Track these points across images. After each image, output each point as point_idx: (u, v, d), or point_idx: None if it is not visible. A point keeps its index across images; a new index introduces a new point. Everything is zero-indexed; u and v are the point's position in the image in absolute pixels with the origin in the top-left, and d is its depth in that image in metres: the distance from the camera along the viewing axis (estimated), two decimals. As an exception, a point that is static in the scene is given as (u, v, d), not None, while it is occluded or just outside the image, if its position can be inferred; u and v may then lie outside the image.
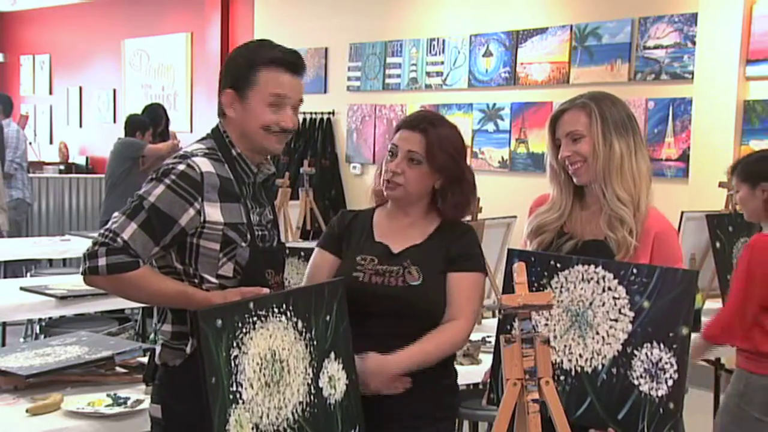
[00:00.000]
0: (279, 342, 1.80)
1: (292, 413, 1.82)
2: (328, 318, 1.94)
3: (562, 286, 2.01)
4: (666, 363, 1.89)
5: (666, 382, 1.88)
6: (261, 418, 1.74)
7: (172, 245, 1.96)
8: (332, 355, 1.95)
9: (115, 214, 1.96)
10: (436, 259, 2.15)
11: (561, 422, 1.71)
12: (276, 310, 1.81)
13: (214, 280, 1.98)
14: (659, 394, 1.89)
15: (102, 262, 1.89)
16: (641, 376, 1.91)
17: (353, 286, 2.10)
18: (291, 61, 2.04)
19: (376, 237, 2.20)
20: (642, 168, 2.18)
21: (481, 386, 2.20)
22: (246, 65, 2.02)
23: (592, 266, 1.99)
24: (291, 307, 1.85)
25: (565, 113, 2.21)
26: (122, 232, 1.91)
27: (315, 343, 1.90)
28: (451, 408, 2.23)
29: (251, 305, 1.77)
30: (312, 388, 1.88)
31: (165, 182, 1.94)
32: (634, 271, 1.95)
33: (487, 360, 2.75)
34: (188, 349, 1.97)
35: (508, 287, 2.03)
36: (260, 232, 2.06)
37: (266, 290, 1.91)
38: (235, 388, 1.69)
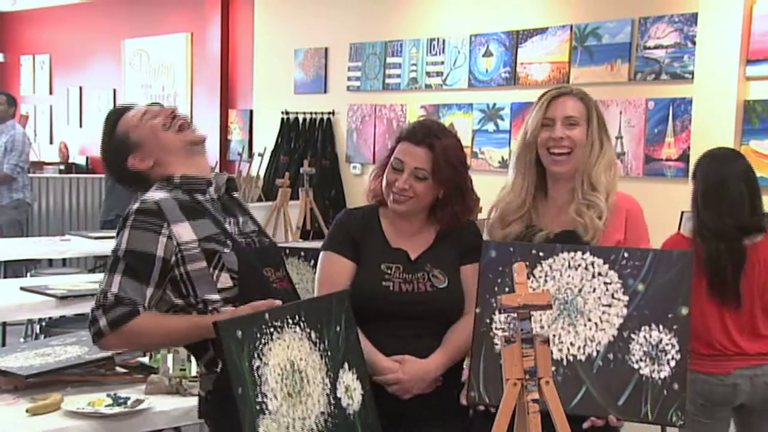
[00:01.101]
0: (296, 352, 1.81)
1: (316, 424, 1.82)
2: (338, 329, 1.95)
3: (546, 275, 1.98)
4: (667, 344, 1.88)
5: (668, 363, 1.88)
6: (288, 429, 1.75)
7: (163, 282, 1.97)
8: (346, 365, 1.96)
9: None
10: (451, 259, 2.21)
11: (561, 422, 1.71)
12: (290, 320, 1.82)
13: (217, 296, 1.98)
14: (662, 376, 1.88)
15: (103, 322, 1.92)
16: (641, 360, 1.90)
17: (385, 296, 2.15)
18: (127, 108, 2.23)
19: (392, 243, 2.21)
20: (616, 172, 2.23)
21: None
22: (120, 143, 2.14)
23: (579, 253, 1.97)
24: (303, 318, 1.86)
25: (565, 96, 2.20)
26: (110, 288, 1.94)
27: (329, 353, 1.91)
28: (463, 407, 2.24)
29: (267, 316, 1.78)
30: (331, 398, 1.88)
31: (128, 225, 1.97)
32: (625, 255, 1.95)
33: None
34: (218, 369, 1.98)
35: (486, 281, 2.01)
36: (243, 240, 2.07)
37: (278, 302, 1.91)
38: (260, 399, 1.70)
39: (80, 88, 10.81)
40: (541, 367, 1.71)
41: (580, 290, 1.96)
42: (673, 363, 1.88)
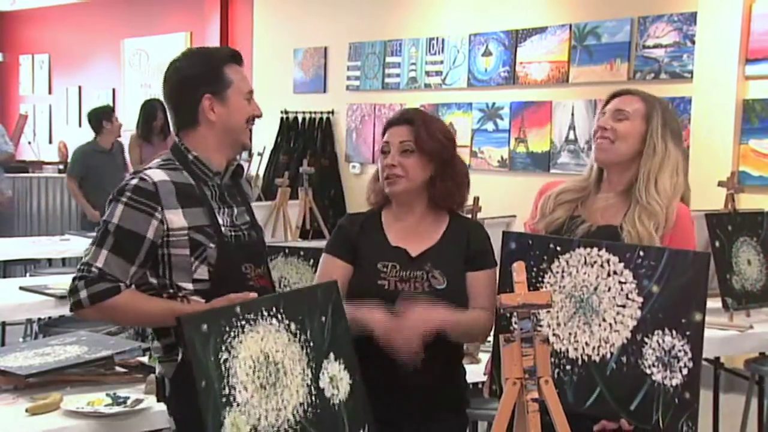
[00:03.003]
0: (272, 344, 1.81)
1: (293, 414, 1.82)
2: (323, 319, 1.95)
3: (563, 271, 1.95)
4: (680, 351, 1.83)
5: (681, 371, 1.83)
6: (259, 420, 1.75)
7: (148, 261, 1.98)
8: (331, 355, 1.95)
9: (86, 246, 2.01)
10: (455, 260, 2.17)
11: (560, 422, 1.71)
12: (266, 313, 1.82)
13: (190, 286, 2.00)
14: (674, 384, 1.83)
15: (83, 294, 1.94)
16: (653, 365, 1.85)
17: (380, 295, 2.12)
18: (238, 54, 2.14)
19: (391, 242, 2.21)
20: (681, 182, 2.19)
21: (485, 379, 2.20)
22: (214, 66, 2.07)
23: (595, 249, 1.92)
24: (282, 310, 1.85)
25: (625, 95, 2.23)
26: (96, 261, 1.95)
27: (311, 344, 1.90)
28: (463, 404, 2.26)
29: (238, 309, 1.78)
30: (312, 389, 1.88)
31: (122, 201, 1.97)
32: (641, 254, 1.89)
33: (486, 359, 2.75)
34: (179, 358, 2.00)
35: (506, 274, 1.99)
36: (232, 233, 2.07)
37: (254, 294, 1.92)
38: (227, 392, 1.70)
39: (79, 88, 10.81)
40: (540, 366, 1.71)
41: (595, 288, 1.92)
42: (685, 371, 1.83)
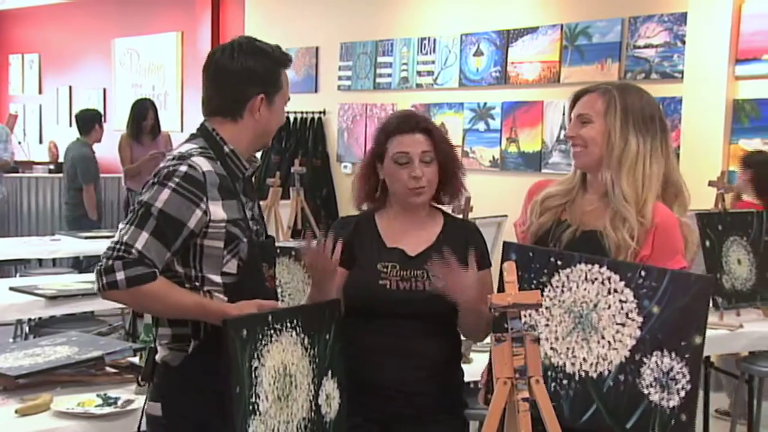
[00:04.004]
0: (290, 356, 1.82)
1: (297, 428, 1.83)
2: (327, 337, 1.96)
3: (563, 285, 1.93)
4: (678, 373, 1.83)
5: (678, 393, 1.82)
6: (273, 431, 1.75)
7: (181, 250, 1.94)
8: (330, 373, 1.97)
9: (122, 224, 1.93)
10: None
11: (551, 421, 1.71)
12: (288, 324, 1.82)
13: (218, 278, 1.96)
14: (671, 405, 1.83)
15: (120, 276, 1.85)
16: (651, 385, 1.85)
17: (381, 295, 2.14)
18: (291, 61, 2.12)
19: (387, 243, 2.21)
20: (653, 172, 2.09)
21: (480, 386, 2.20)
22: (275, 70, 2.04)
23: (596, 266, 1.90)
24: (299, 323, 1.86)
25: (585, 94, 2.17)
26: (135, 243, 1.87)
27: (317, 360, 1.92)
28: (461, 404, 2.28)
29: (270, 318, 1.78)
30: (313, 404, 1.90)
31: (170, 186, 1.91)
32: (643, 273, 1.87)
33: (478, 359, 2.75)
34: (190, 350, 1.96)
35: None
36: (255, 227, 2.07)
37: (279, 304, 1.92)
38: (254, 399, 1.71)
39: (70, 88, 10.77)
40: (531, 365, 1.71)
41: (595, 305, 1.90)
42: (683, 393, 1.82)
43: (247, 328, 1.70)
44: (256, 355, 1.72)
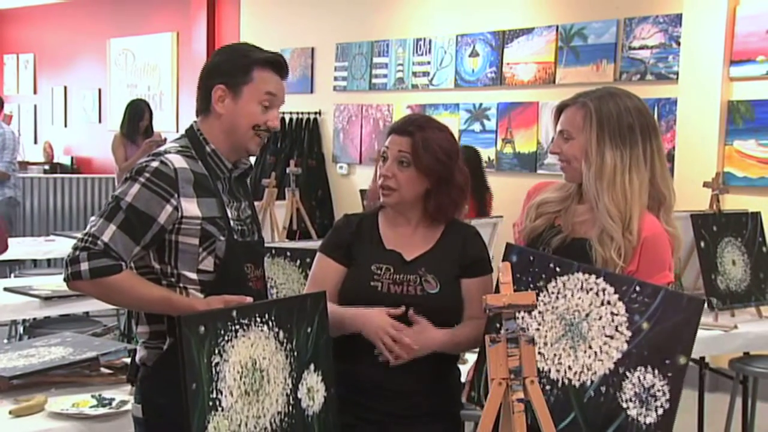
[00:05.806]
0: (260, 351, 1.81)
1: (270, 423, 1.82)
2: (309, 330, 1.95)
3: (559, 292, 1.94)
4: (658, 390, 1.82)
5: (656, 410, 1.82)
6: (239, 426, 1.75)
7: (153, 245, 1.96)
8: (312, 366, 1.95)
9: (93, 217, 1.97)
10: (449, 266, 2.17)
11: (546, 422, 1.72)
12: (259, 319, 1.82)
13: (194, 276, 1.98)
14: (647, 422, 1.82)
15: (84, 266, 1.90)
16: (630, 400, 1.85)
17: (372, 297, 2.13)
18: (282, 64, 2.10)
19: (386, 245, 2.21)
20: (635, 185, 2.05)
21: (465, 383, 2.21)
22: (242, 63, 2.04)
23: (593, 276, 1.91)
24: (273, 317, 1.85)
25: (567, 108, 2.15)
26: (102, 235, 1.91)
27: (296, 354, 1.90)
28: (457, 404, 2.27)
29: (234, 313, 1.77)
30: (291, 398, 1.88)
31: (140, 181, 1.94)
32: (637, 288, 1.87)
33: (473, 359, 2.75)
34: (165, 347, 1.98)
35: None
36: (239, 227, 2.07)
37: (249, 299, 1.91)
38: (215, 395, 1.70)
39: (65, 88, 10.75)
40: (526, 366, 1.71)
41: (587, 315, 1.90)
42: (660, 411, 1.82)
43: (204, 325, 1.69)
44: (217, 351, 1.71)
